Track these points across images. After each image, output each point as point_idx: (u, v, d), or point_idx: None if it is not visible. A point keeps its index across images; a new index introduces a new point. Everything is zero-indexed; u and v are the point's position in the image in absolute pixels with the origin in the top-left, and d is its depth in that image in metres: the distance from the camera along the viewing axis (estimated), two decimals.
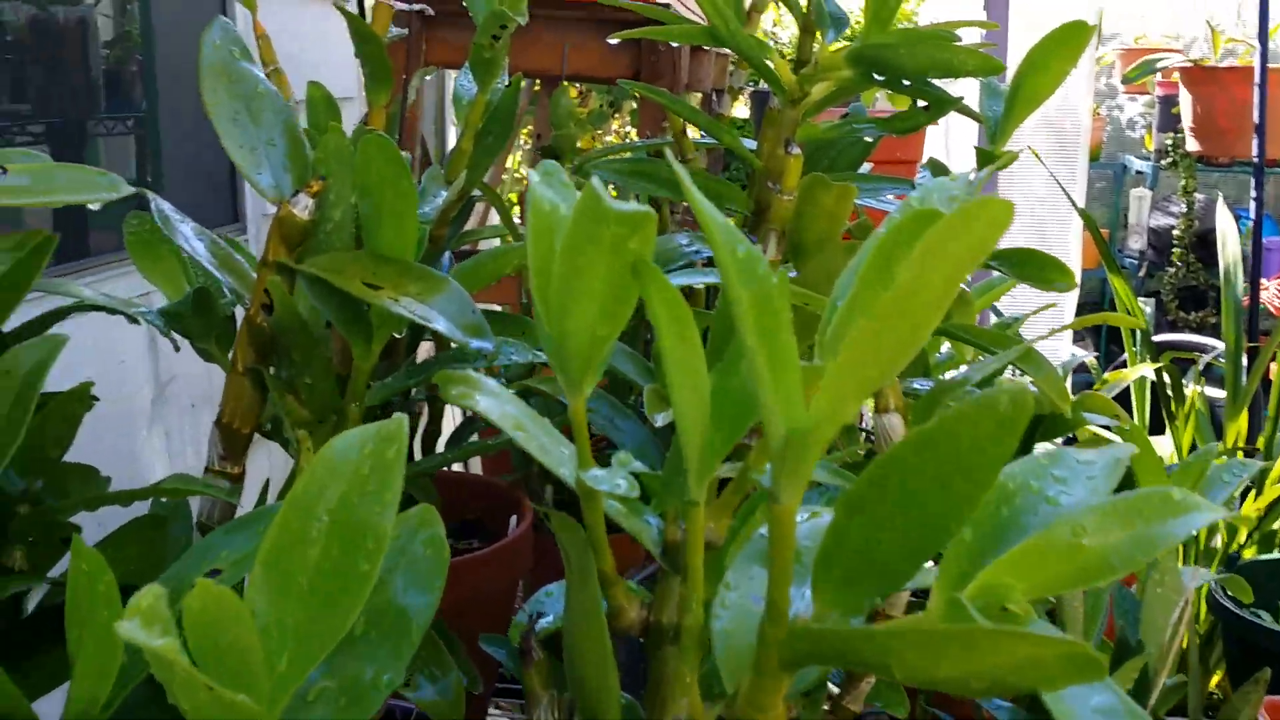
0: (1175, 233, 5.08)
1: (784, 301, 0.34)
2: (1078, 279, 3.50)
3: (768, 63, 0.86)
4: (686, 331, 0.39)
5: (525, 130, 2.46)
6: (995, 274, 0.97)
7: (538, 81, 2.01)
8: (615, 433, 0.76)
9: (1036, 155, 2.14)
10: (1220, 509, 0.38)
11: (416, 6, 0.88)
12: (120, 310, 0.70)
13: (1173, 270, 5.07)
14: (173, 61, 1.96)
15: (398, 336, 0.74)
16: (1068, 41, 0.80)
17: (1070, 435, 1.00)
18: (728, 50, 2.54)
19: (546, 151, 1.47)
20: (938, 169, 0.91)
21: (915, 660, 0.32)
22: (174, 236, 0.73)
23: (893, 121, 0.89)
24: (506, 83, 0.96)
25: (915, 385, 0.87)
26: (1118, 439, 0.94)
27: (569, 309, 0.41)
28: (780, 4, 1.03)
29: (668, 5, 1.78)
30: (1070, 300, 3.79)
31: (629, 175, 0.93)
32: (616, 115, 5.13)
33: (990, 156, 0.82)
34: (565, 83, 1.64)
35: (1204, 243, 5.06)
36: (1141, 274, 5.32)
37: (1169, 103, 4.48)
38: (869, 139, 0.91)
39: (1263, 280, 3.29)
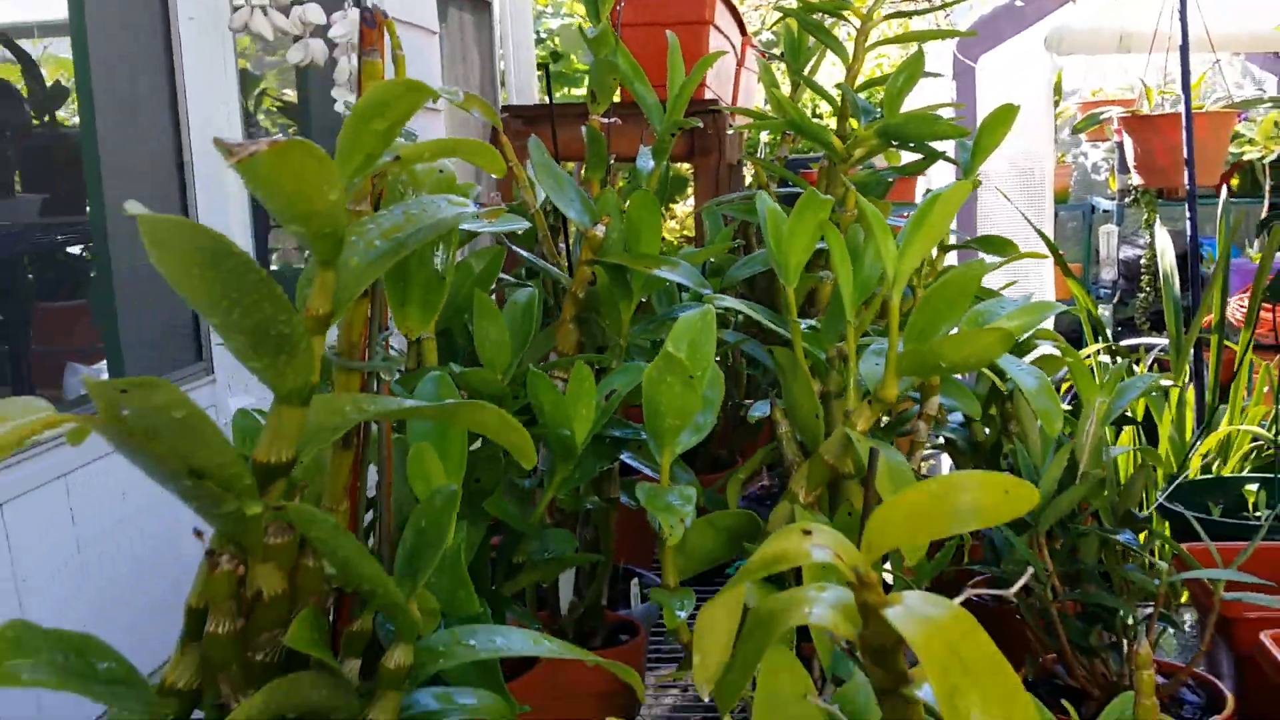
0: (1142, 262, 5.69)
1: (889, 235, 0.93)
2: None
3: (829, 140, 1.45)
4: (843, 251, 0.97)
5: None
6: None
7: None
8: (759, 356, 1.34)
9: (1004, 194, 2.73)
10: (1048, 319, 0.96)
11: (612, 119, 1.47)
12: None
13: (1142, 296, 5.67)
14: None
15: (644, 300, 1.32)
16: (1004, 117, 1.39)
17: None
18: (745, 132, 3.07)
19: None
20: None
21: (951, 353, 0.90)
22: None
23: (904, 168, 1.48)
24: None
25: None
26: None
27: (791, 247, 1.00)
28: (819, 97, 1.63)
29: (716, 100, 2.39)
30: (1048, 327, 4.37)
31: (741, 211, 1.52)
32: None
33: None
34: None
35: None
36: (1115, 301, 5.93)
37: (1124, 146, 5.11)
38: (890, 180, 1.50)
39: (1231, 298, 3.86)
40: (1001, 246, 1.40)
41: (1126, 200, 5.61)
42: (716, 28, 2.50)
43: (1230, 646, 1.48)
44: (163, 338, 1.75)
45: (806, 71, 1.82)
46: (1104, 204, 6.00)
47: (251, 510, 0.58)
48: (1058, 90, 5.73)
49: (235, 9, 1.73)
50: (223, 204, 1.89)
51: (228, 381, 1.87)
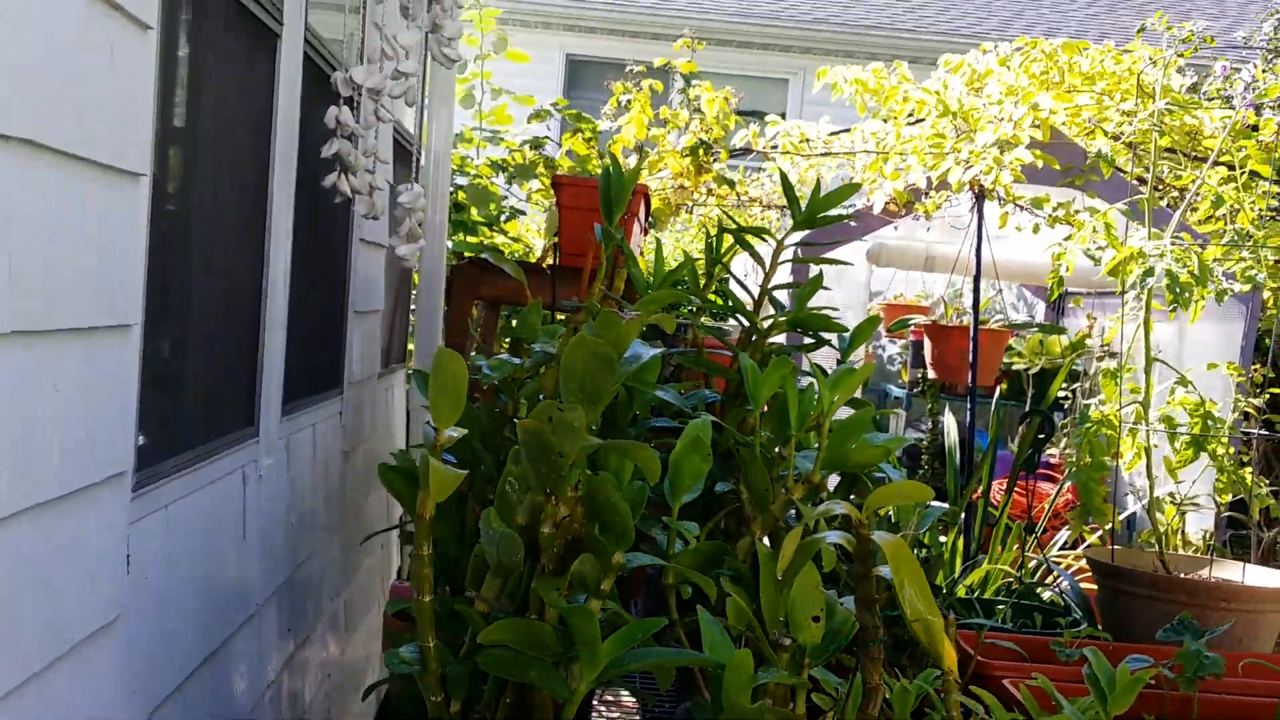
0: (923, 444, 6.65)
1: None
2: None
3: (755, 321, 2.17)
4: (794, 392, 1.68)
5: None
6: None
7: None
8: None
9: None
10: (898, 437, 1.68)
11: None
12: None
13: (921, 473, 6.61)
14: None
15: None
16: (871, 325, 2.14)
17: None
18: None
19: None
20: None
21: (855, 456, 1.60)
22: None
23: (800, 348, 2.21)
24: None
25: None
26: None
27: (763, 388, 1.70)
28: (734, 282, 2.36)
29: None
30: None
31: (688, 360, 2.22)
32: None
33: (841, 363, 2.14)
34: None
35: (944, 453, 6.63)
36: None
37: (919, 346, 6.09)
38: (789, 352, 2.22)
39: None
40: (862, 407, 2.13)
41: (915, 390, 6.59)
42: (636, 218, 3.24)
43: (983, 686, 2.21)
44: (221, 408, 2.32)
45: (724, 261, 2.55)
46: (896, 391, 6.97)
47: (568, 477, 1.23)
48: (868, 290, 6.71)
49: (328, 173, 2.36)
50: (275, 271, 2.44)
51: (266, 446, 2.44)
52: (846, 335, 2.18)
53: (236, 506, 2.25)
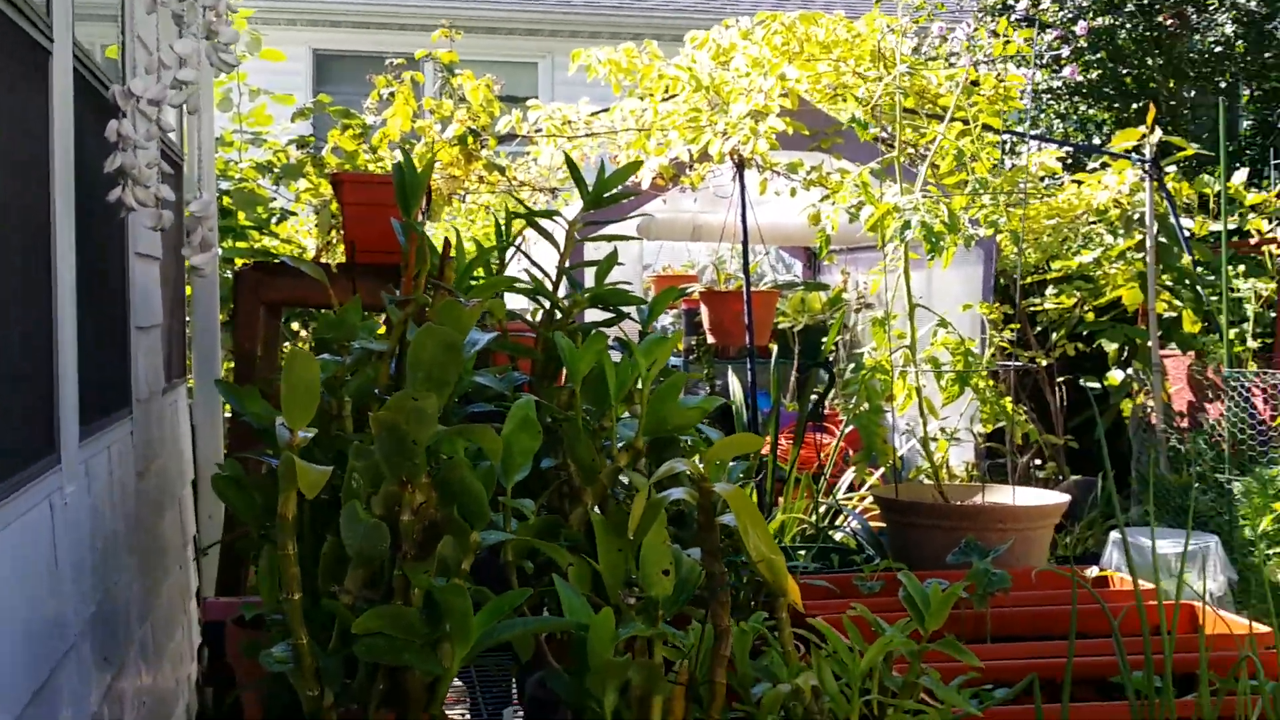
0: None
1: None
2: None
3: (556, 300, 2.25)
4: (610, 365, 1.77)
5: None
6: None
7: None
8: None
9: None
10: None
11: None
12: None
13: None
14: None
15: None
16: (667, 296, 2.25)
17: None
18: None
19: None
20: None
21: (674, 419, 1.71)
22: None
23: (598, 324, 2.31)
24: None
25: None
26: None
27: (580, 364, 1.79)
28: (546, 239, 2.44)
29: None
30: None
31: (500, 346, 2.28)
32: None
33: (644, 334, 2.24)
34: None
35: (725, 416, 6.88)
36: None
37: (692, 314, 6.29)
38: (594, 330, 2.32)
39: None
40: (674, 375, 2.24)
41: (691, 357, 6.81)
42: (421, 210, 3.27)
43: (800, 624, 2.36)
44: (24, 438, 2.26)
45: (518, 246, 2.62)
46: (672, 359, 7.19)
47: (421, 464, 1.29)
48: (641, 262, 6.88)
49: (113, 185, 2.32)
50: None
51: (68, 472, 2.38)
52: (644, 308, 2.29)
53: (47, 537, 2.20)
